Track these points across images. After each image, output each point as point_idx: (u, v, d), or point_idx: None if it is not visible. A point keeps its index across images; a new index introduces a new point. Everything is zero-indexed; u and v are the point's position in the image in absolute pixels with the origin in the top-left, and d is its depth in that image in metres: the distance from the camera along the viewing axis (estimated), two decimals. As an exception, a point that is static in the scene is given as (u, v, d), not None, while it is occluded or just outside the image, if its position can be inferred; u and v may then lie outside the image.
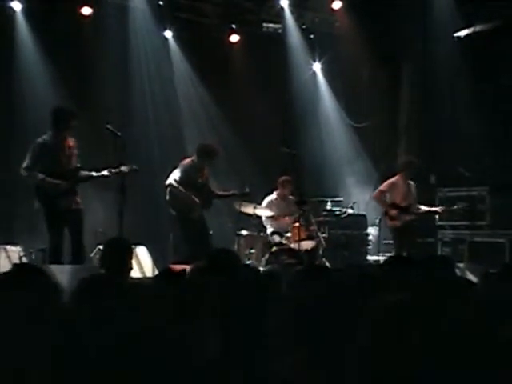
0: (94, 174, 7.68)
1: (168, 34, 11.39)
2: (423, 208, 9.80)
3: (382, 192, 9.68)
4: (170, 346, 2.37)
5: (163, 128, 11.07)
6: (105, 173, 7.64)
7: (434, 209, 10.16)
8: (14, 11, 9.98)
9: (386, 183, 9.70)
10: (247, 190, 9.17)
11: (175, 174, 8.75)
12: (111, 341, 2.33)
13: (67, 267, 6.79)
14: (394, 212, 9.54)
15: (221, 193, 9.23)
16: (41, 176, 7.40)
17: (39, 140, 7.55)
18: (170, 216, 8.97)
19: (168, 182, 8.74)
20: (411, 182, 9.68)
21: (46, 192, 7.43)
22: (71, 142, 7.70)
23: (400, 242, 9.53)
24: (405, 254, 8.89)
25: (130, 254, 4.65)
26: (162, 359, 2.34)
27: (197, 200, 8.70)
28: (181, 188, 8.65)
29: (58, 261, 7.21)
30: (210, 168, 9.05)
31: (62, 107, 7.81)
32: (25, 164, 7.45)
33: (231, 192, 9.26)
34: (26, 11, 9.99)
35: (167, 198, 8.78)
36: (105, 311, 2.62)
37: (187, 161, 8.89)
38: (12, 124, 9.81)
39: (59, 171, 7.50)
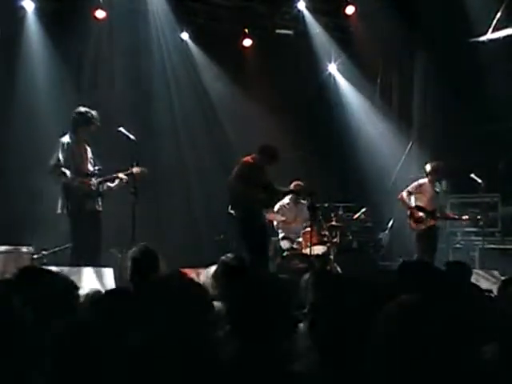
0: (113, 176, 7.66)
1: (185, 35, 11.37)
2: (450, 214, 9.77)
3: (408, 193, 9.49)
4: (183, 350, 2.37)
5: (176, 132, 11.08)
6: (122, 176, 7.60)
7: (457, 216, 10.02)
8: (25, 11, 9.83)
9: (414, 185, 9.52)
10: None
11: (237, 172, 8.16)
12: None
13: (82, 269, 6.79)
14: (419, 215, 9.40)
15: (286, 189, 8.99)
16: (71, 175, 7.39)
17: (62, 139, 7.52)
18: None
19: (229, 179, 8.20)
20: (439, 187, 9.57)
21: (74, 192, 7.41)
22: (85, 146, 7.70)
23: (423, 246, 9.31)
24: (426, 258, 8.75)
25: (158, 262, 4.67)
26: (175, 362, 2.34)
27: (259, 197, 8.15)
28: (243, 186, 8.05)
29: (78, 262, 7.20)
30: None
31: (83, 111, 7.66)
32: (53, 161, 7.41)
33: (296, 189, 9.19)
34: (39, 12, 9.88)
35: (230, 197, 8.35)
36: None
37: (247, 158, 8.26)
38: (23, 128, 9.63)
39: (79, 171, 7.51)
